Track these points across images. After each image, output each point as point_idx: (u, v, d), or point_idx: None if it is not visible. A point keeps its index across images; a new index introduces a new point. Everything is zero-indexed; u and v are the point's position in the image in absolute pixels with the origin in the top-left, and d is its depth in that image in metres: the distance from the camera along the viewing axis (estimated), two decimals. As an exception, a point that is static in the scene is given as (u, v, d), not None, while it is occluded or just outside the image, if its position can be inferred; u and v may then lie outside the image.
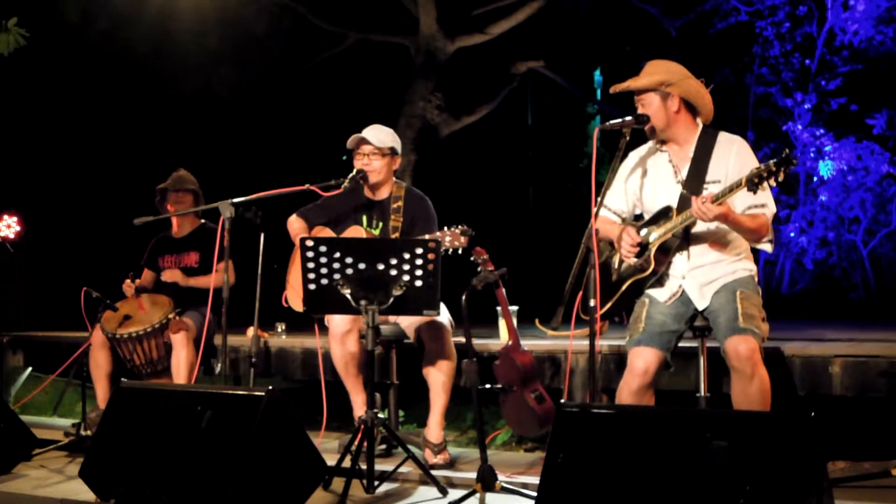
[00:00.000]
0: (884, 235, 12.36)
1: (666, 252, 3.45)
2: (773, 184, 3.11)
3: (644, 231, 3.52)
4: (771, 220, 3.41)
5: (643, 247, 3.48)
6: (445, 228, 3.80)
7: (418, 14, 9.56)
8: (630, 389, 3.32)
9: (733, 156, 3.43)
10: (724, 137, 3.50)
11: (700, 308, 3.43)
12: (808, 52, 12.76)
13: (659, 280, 3.50)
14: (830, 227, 12.51)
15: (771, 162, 3.07)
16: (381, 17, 10.26)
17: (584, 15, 13.01)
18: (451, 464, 4.00)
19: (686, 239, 3.46)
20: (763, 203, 3.37)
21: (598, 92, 14.44)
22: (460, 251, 3.76)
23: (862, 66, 12.32)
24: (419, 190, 4.38)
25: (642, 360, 3.32)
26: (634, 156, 3.69)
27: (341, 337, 3.99)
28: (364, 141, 4.15)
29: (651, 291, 3.52)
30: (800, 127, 12.49)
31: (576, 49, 13.00)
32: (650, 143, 3.65)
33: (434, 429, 4.02)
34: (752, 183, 3.10)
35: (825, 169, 12.28)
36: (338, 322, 3.99)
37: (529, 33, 10.34)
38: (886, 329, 5.59)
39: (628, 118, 3.36)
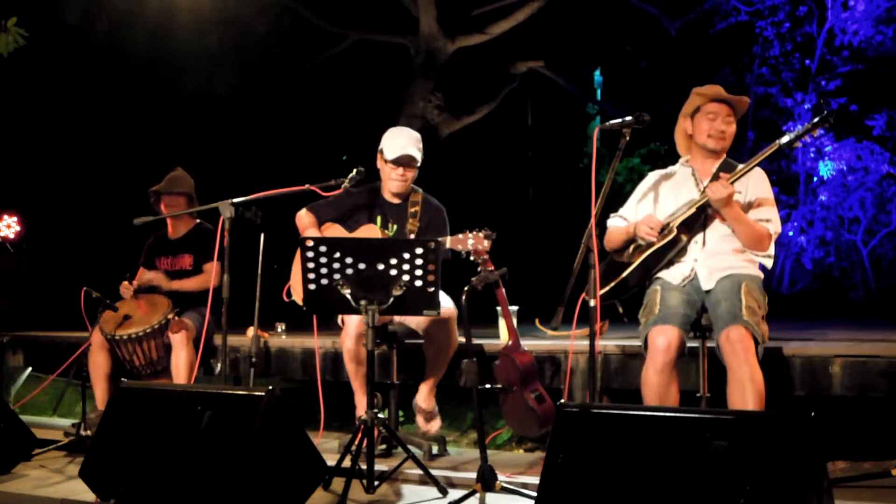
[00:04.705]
0: (884, 235, 12.37)
1: (689, 227, 3.57)
2: (806, 138, 3.38)
3: (666, 220, 3.64)
4: (774, 238, 3.52)
5: (663, 229, 3.59)
6: (467, 231, 3.80)
7: (418, 14, 9.57)
8: (655, 368, 3.31)
9: (754, 176, 3.60)
10: (744, 165, 3.65)
11: (706, 289, 3.51)
12: (808, 52, 12.77)
13: (671, 262, 3.58)
14: (830, 227, 12.52)
15: (808, 124, 3.31)
16: (380, 17, 10.27)
17: (584, 15, 13.02)
18: (439, 444, 4.14)
19: (703, 227, 3.58)
20: (768, 218, 3.54)
21: (598, 92, 14.45)
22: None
23: (862, 66, 12.33)
24: (435, 198, 4.39)
25: (664, 337, 3.32)
26: (657, 174, 3.86)
27: (356, 337, 4.01)
28: (412, 159, 4.17)
29: (664, 275, 3.60)
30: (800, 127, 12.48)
31: (576, 49, 13.02)
32: (674, 167, 3.83)
33: (425, 395, 4.16)
34: (786, 144, 3.37)
35: (825, 169, 12.29)
36: (354, 322, 4.01)
37: (529, 33, 10.36)
38: (886, 329, 5.59)
39: (628, 118, 3.38)
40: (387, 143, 4.22)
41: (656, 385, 3.31)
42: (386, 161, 4.20)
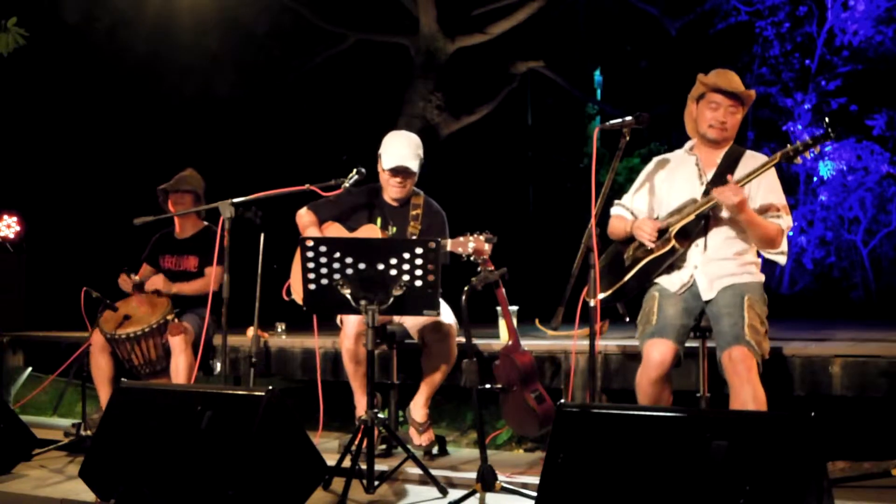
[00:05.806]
0: (884, 235, 12.36)
1: (686, 235, 3.52)
2: (808, 156, 3.31)
3: (665, 222, 3.60)
4: (785, 233, 3.49)
5: (663, 232, 3.54)
6: (468, 234, 3.80)
7: (418, 14, 9.56)
8: (649, 380, 3.36)
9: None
10: (750, 152, 3.63)
11: (706, 299, 3.48)
12: (808, 52, 12.76)
13: (670, 268, 3.56)
14: (830, 227, 12.51)
15: (808, 138, 3.26)
16: (381, 17, 10.26)
17: (584, 15, 13.01)
18: (439, 444, 4.16)
19: (704, 232, 3.53)
20: (779, 214, 3.49)
21: (598, 92, 14.45)
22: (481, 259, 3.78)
23: (862, 66, 12.32)
24: (436, 202, 4.38)
25: (658, 352, 3.35)
26: (656, 161, 3.81)
27: (355, 337, 4.00)
28: (408, 170, 4.15)
29: (662, 281, 3.57)
30: (800, 127, 12.49)
31: (576, 49, 13.01)
32: (679, 151, 3.78)
33: (419, 407, 4.14)
34: (788, 156, 3.28)
35: (825, 169, 12.29)
36: (353, 322, 4.00)
37: (529, 33, 10.35)
38: (886, 329, 5.59)
39: (628, 118, 3.38)
40: (385, 149, 4.19)
41: (650, 394, 3.38)
42: (384, 169, 4.19)
